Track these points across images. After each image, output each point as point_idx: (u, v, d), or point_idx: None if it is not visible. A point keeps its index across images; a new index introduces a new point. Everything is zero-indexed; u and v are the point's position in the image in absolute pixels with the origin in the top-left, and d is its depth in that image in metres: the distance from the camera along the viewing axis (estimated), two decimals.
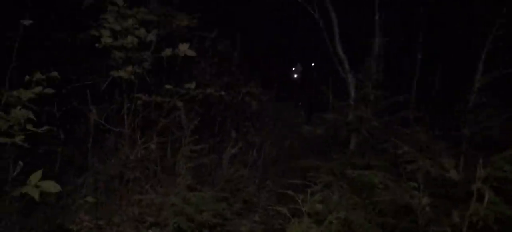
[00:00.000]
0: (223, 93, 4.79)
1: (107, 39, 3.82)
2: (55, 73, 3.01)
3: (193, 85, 4.55)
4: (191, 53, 4.29)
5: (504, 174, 2.41)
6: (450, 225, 2.53)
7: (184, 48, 4.19)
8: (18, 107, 2.86)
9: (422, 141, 3.79)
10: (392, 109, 5.02)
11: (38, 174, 2.87)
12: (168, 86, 4.41)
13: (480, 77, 3.28)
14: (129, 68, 4.09)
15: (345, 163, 4.45)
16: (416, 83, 6.22)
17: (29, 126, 2.87)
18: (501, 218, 2.33)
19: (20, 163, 2.87)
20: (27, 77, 2.99)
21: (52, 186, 2.90)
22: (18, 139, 2.76)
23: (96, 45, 3.89)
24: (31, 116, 2.86)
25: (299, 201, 3.07)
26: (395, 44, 6.01)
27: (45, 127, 2.96)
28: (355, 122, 4.60)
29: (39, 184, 2.83)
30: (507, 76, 3.37)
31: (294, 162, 5.26)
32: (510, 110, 3.40)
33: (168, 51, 4.21)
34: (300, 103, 7.84)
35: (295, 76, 9.00)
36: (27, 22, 3.51)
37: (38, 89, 2.96)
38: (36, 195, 2.80)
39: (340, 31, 5.17)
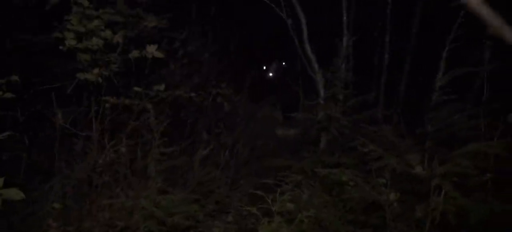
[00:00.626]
0: (193, 94, 4.76)
1: (71, 42, 3.74)
2: (15, 77, 2.92)
3: (162, 87, 4.50)
4: (159, 54, 4.25)
5: (462, 169, 2.51)
6: (414, 220, 2.61)
7: (152, 50, 4.14)
8: None
9: (389, 139, 3.88)
10: (361, 108, 5.11)
11: (0, 181, 2.78)
12: (136, 89, 4.35)
13: (441, 76, 3.40)
14: (96, 71, 4.01)
15: (316, 161, 4.51)
16: (384, 82, 6.36)
17: None
18: (460, 212, 2.42)
19: None
20: None
21: (15, 194, 2.82)
22: None
23: (60, 47, 3.79)
24: None
25: (269, 201, 3.08)
26: (363, 44, 6.14)
27: (6, 133, 2.86)
28: (325, 121, 4.66)
29: (1, 192, 2.74)
30: (467, 74, 3.50)
31: (267, 162, 5.29)
32: (470, 107, 3.53)
33: (135, 53, 4.16)
34: (273, 103, 7.88)
35: (270, 75, 9.00)
36: None
37: None
38: None
39: (309, 30, 5.23)
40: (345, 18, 5.48)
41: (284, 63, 7.59)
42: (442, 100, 3.44)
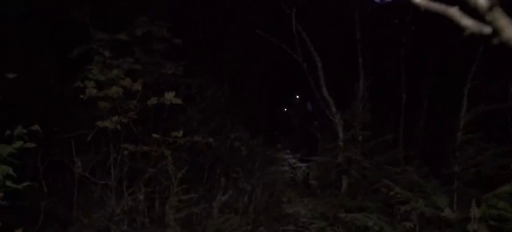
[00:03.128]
0: (210, 140, 4.73)
1: (92, 91, 3.79)
2: (36, 127, 2.94)
3: (180, 134, 4.49)
4: (178, 101, 4.27)
5: (499, 212, 2.37)
6: None
7: (170, 96, 4.17)
8: None
9: (413, 180, 3.75)
10: (380, 149, 5.00)
11: None
12: (155, 135, 4.35)
13: (465, 113, 3.30)
14: (115, 118, 4.04)
15: (338, 205, 4.37)
16: (402, 122, 6.26)
17: (8, 183, 2.76)
18: None
19: None
20: (8, 132, 2.91)
21: None
22: None
23: (81, 96, 3.85)
24: (11, 172, 2.76)
25: None
26: (380, 84, 6.10)
27: (26, 183, 2.85)
28: (345, 163, 4.56)
29: None
30: (491, 111, 3.41)
31: (287, 208, 5.17)
32: (497, 145, 3.41)
33: (154, 100, 4.19)
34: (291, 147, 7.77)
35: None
36: (11, 76, 3.47)
37: (19, 143, 2.88)
38: None
39: (325, 73, 5.23)
40: (360, 60, 5.48)
41: (309, 106, 7.52)
42: (467, 139, 3.34)
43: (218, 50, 7.44)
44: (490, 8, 0.59)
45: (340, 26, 6.25)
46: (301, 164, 6.75)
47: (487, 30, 0.64)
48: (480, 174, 3.19)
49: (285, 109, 7.94)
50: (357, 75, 5.36)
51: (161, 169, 4.64)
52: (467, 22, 0.65)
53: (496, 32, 0.64)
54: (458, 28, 0.68)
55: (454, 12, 0.64)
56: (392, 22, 7.18)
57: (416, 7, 0.66)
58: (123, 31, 4.97)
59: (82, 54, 4.64)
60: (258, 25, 5.93)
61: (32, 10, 4.94)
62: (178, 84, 5.58)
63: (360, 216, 3.40)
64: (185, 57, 5.80)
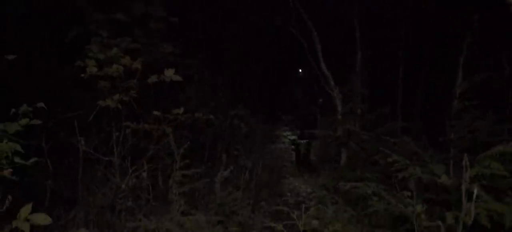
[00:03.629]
0: (211, 116, 4.79)
1: (92, 69, 3.83)
2: (41, 104, 3.00)
3: (181, 111, 4.54)
4: (177, 77, 4.31)
5: (491, 171, 2.44)
6: (446, 229, 2.54)
7: (170, 73, 4.21)
8: (5, 140, 2.82)
9: (411, 149, 3.83)
10: (379, 121, 5.08)
11: (28, 207, 2.82)
12: (156, 113, 4.40)
13: (461, 83, 3.36)
14: (116, 97, 4.08)
15: (337, 177, 4.47)
16: (400, 94, 6.31)
17: (17, 159, 2.83)
18: (493, 216, 2.35)
19: (9, 197, 2.81)
20: (13, 110, 2.96)
21: (42, 219, 2.85)
22: (6, 172, 2.71)
23: (82, 75, 3.89)
24: (19, 148, 2.82)
25: (295, 217, 3.05)
26: (378, 58, 6.13)
27: (33, 159, 2.92)
28: (344, 136, 4.63)
29: (29, 218, 2.77)
30: (486, 80, 3.46)
31: (287, 182, 5.26)
32: (492, 112, 3.47)
33: (154, 77, 4.23)
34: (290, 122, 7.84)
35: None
36: (11, 57, 3.50)
37: (24, 121, 2.93)
38: (26, 229, 2.74)
39: (323, 49, 5.27)
40: (358, 34, 5.50)
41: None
42: (463, 107, 3.40)
43: (217, 31, 7.44)
44: None
45: (338, 3, 6.24)
46: (301, 141, 6.84)
47: None
48: (476, 140, 3.27)
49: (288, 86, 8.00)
50: (355, 49, 5.40)
51: (163, 146, 4.71)
52: None
53: None
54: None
55: None
56: None
57: None
58: (120, 12, 4.98)
59: (81, 35, 4.65)
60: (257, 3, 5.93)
61: None
62: (177, 64, 5.61)
63: (359, 185, 3.49)
64: (183, 38, 5.83)
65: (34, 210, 2.86)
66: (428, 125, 5.07)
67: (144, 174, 4.41)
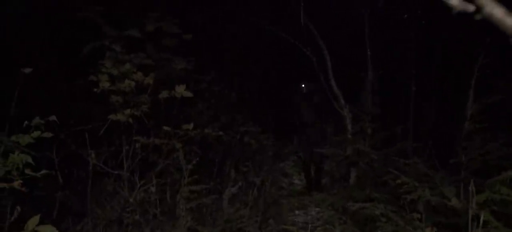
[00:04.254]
0: (220, 133, 4.81)
1: (105, 84, 3.89)
2: (53, 117, 3.05)
3: (191, 127, 4.58)
4: (188, 94, 4.36)
5: (501, 197, 2.40)
6: None
7: (181, 89, 4.26)
8: (17, 152, 2.88)
9: (421, 171, 3.78)
10: (390, 141, 5.03)
11: (36, 219, 2.85)
12: (166, 128, 4.45)
13: (471, 104, 3.32)
14: (127, 111, 4.14)
15: (346, 197, 4.42)
16: (412, 114, 6.26)
17: (27, 171, 2.87)
18: None
19: (18, 208, 2.86)
20: (26, 122, 3.02)
21: (49, 230, 2.87)
22: (16, 184, 2.76)
23: (95, 90, 3.96)
24: (30, 160, 2.87)
25: None
26: (389, 77, 6.12)
27: (43, 171, 2.96)
28: (354, 156, 4.60)
29: (36, 229, 2.80)
30: (499, 102, 3.42)
31: (295, 200, 5.23)
32: (504, 135, 3.42)
33: (165, 93, 4.28)
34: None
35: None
36: (27, 70, 3.59)
37: (36, 133, 2.99)
38: None
39: (334, 67, 5.28)
40: (369, 52, 5.50)
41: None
42: (474, 129, 3.35)
43: (222, 47, 7.52)
44: None
45: (349, 19, 6.27)
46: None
47: (471, 8, 0.70)
48: (487, 163, 3.21)
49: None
50: (366, 68, 5.39)
51: (172, 161, 4.75)
52: (453, 1, 0.70)
53: (478, 9, 0.70)
54: (465, 19, 0.73)
55: None
56: (401, 16, 7.17)
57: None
58: (134, 28, 5.08)
59: (95, 50, 4.75)
60: (264, 18, 5.98)
61: (45, 9, 5.08)
62: (188, 80, 5.68)
63: (368, 206, 3.45)
64: (194, 53, 5.90)
65: (42, 222, 2.89)
66: (439, 146, 5.01)
67: (153, 189, 4.44)
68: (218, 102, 6.70)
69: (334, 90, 5.16)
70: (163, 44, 5.47)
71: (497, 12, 0.65)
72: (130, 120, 4.25)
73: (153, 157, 4.70)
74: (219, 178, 5.55)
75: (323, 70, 5.33)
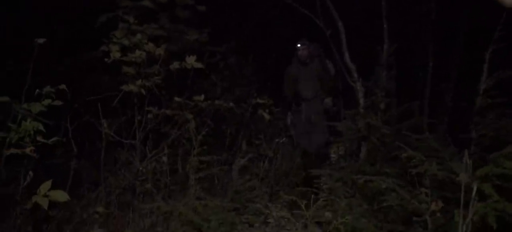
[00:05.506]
0: (231, 104, 4.84)
1: (115, 54, 3.95)
2: (63, 86, 3.13)
3: (202, 98, 4.62)
4: (199, 65, 4.38)
5: (503, 170, 2.35)
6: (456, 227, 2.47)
7: (191, 61, 4.28)
8: (29, 120, 2.97)
9: (431, 146, 3.72)
10: (405, 117, 4.94)
11: (48, 184, 2.96)
12: (177, 99, 4.50)
13: (485, 79, 3.22)
14: (139, 82, 4.20)
15: (356, 171, 4.40)
16: (429, 89, 6.12)
17: (39, 138, 2.98)
18: (503, 217, 2.26)
19: (30, 173, 2.97)
20: (37, 91, 3.12)
21: (61, 196, 2.99)
22: (28, 150, 2.86)
23: (105, 60, 4.02)
24: (41, 128, 2.97)
25: (303, 206, 3.05)
26: (406, 51, 5.94)
27: (54, 138, 3.06)
28: (365, 130, 4.55)
29: (48, 194, 2.91)
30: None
31: (306, 173, 5.23)
32: None
33: (176, 64, 4.32)
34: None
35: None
36: (41, 41, 3.67)
37: (47, 101, 3.08)
38: (45, 204, 2.88)
39: (348, 39, 5.17)
40: (385, 26, 5.35)
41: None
42: (488, 104, 3.26)
43: (242, 19, 7.46)
44: None
45: None
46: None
47: None
48: (498, 139, 3.14)
49: None
50: (382, 41, 5.25)
51: (184, 132, 4.82)
52: None
53: None
54: None
55: None
56: None
57: None
58: None
59: (108, 20, 4.80)
60: None
61: None
62: (202, 51, 5.70)
63: (374, 179, 3.43)
64: (210, 25, 5.89)
65: (56, 189, 3.00)
66: (454, 122, 4.90)
67: (164, 158, 4.54)
68: (232, 74, 6.70)
69: (348, 63, 5.08)
70: (176, 15, 5.49)
71: None
72: (142, 91, 4.32)
73: (165, 128, 4.79)
74: (231, 150, 5.60)
75: (337, 43, 5.24)
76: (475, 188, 2.33)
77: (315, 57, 5.90)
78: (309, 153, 5.82)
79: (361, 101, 4.82)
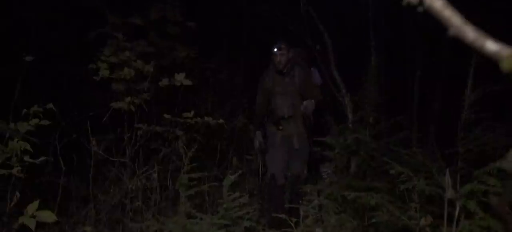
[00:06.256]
0: (221, 121, 4.84)
1: (104, 72, 3.95)
2: (51, 105, 3.12)
3: (191, 114, 4.62)
4: (188, 82, 4.39)
5: (487, 187, 2.38)
6: None
7: (180, 78, 4.29)
8: (16, 140, 2.95)
9: (419, 161, 3.75)
10: (394, 131, 4.98)
11: (35, 204, 2.93)
12: (166, 116, 4.50)
13: (470, 94, 3.27)
14: (128, 99, 4.19)
15: (345, 186, 4.41)
16: (416, 103, 6.19)
17: (26, 158, 2.95)
18: None
19: (17, 194, 2.94)
20: (24, 110, 3.10)
21: (48, 216, 2.96)
22: (15, 171, 2.84)
23: (94, 77, 4.02)
24: (28, 147, 2.95)
25: (293, 224, 3.05)
26: (394, 65, 6.03)
27: (42, 158, 3.04)
28: (353, 144, 4.57)
29: (35, 214, 2.88)
30: (499, 91, 3.35)
31: (296, 188, 5.23)
32: (503, 124, 3.37)
33: (165, 81, 4.32)
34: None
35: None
36: (29, 58, 3.66)
37: (34, 121, 3.06)
38: (32, 225, 2.85)
39: (336, 53, 5.23)
40: (373, 42, 5.43)
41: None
42: (474, 119, 3.30)
43: (232, 34, 7.50)
44: None
45: (352, 5, 6.17)
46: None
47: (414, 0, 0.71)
48: (485, 154, 3.17)
49: None
50: (369, 55, 5.32)
51: (174, 149, 4.81)
52: None
53: (420, 1, 0.72)
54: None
55: None
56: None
57: None
58: (137, 15, 5.12)
59: (97, 37, 4.80)
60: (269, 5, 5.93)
61: None
62: (192, 67, 5.71)
63: (363, 195, 3.44)
64: (200, 40, 5.92)
65: (46, 208, 2.97)
66: (442, 136, 4.94)
67: (154, 175, 4.52)
68: (222, 89, 6.72)
69: (336, 79, 5.12)
70: (167, 32, 5.51)
71: (436, 4, 0.67)
72: (132, 107, 4.32)
73: (155, 144, 4.77)
74: (221, 165, 5.59)
75: (326, 59, 5.29)
76: (458, 206, 2.35)
77: (295, 65, 4.58)
78: (279, 186, 4.66)
79: (350, 115, 4.86)
